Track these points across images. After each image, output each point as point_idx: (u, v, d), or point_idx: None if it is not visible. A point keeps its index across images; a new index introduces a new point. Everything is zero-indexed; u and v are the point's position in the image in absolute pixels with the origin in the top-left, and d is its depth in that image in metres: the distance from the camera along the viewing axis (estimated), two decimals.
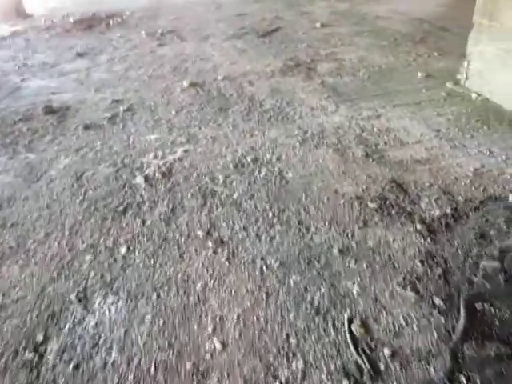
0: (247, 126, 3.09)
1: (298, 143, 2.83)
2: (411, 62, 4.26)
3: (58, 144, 3.04)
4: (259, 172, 2.54)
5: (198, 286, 1.80)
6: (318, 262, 1.89)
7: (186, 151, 2.80)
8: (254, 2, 7.61)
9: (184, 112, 3.39)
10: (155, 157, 2.76)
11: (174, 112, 3.39)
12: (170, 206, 2.29)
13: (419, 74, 3.89)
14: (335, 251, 1.94)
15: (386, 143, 2.80)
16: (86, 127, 3.24)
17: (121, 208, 2.30)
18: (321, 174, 2.50)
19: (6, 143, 3.08)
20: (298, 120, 3.15)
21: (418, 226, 2.06)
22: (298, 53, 4.68)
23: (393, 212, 2.17)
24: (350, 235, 2.04)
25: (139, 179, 2.52)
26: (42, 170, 2.72)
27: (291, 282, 1.79)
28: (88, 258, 1.99)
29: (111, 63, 4.85)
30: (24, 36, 6.43)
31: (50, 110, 3.55)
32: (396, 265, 1.85)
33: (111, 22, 6.74)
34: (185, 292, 1.78)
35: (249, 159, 2.67)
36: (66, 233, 2.16)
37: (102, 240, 2.09)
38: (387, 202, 2.24)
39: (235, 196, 2.35)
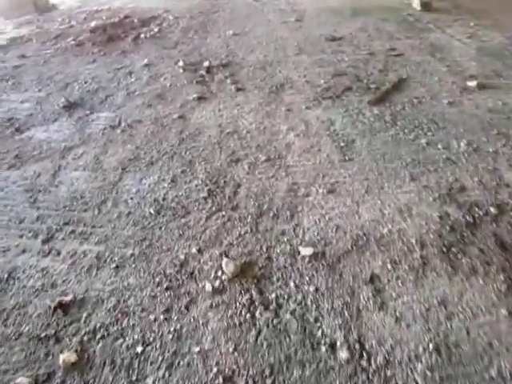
0: None
1: None
2: None
3: None
4: None
5: None
6: None
7: None
8: (352, 14, 5.13)
9: None
10: None
11: None
12: None
13: None
14: None
15: None
16: None
17: None
18: None
19: None
20: None
21: None
22: (460, 172, 2.30)
23: None
24: None
25: None
26: None
27: None
28: None
29: (109, 137, 2.77)
30: (21, 49, 4.52)
31: None
32: None
33: (142, 35, 4.65)
34: None
35: None
36: None
37: None
38: None
39: None
